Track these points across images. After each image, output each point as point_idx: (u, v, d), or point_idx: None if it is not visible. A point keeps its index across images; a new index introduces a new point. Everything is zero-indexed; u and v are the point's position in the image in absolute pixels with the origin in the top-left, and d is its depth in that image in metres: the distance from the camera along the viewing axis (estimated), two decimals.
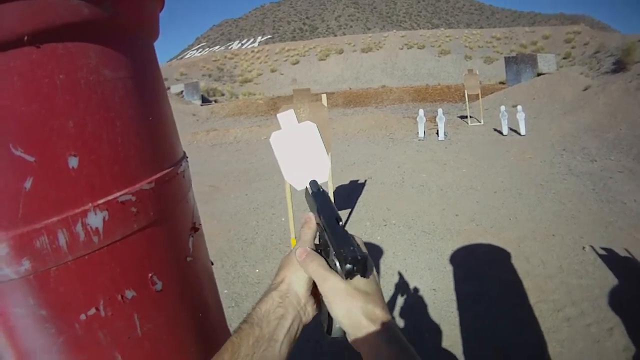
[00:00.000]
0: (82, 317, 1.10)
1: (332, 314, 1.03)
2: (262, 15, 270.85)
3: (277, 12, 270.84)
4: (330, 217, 1.16)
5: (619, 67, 23.11)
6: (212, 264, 1.77)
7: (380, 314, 0.98)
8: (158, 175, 1.26)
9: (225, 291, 6.97)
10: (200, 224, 1.62)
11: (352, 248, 1.02)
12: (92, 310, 1.11)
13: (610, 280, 6.42)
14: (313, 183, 1.42)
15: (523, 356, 5.03)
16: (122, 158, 1.17)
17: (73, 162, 1.06)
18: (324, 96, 8.08)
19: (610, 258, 7.06)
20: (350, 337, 1.00)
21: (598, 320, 5.53)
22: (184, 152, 1.61)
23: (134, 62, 1.26)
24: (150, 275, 1.24)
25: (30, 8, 0.97)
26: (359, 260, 1.00)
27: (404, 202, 10.44)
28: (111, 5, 1.13)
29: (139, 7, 1.29)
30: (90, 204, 1.08)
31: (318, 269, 1.06)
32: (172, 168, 1.35)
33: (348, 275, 1.01)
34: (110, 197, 1.11)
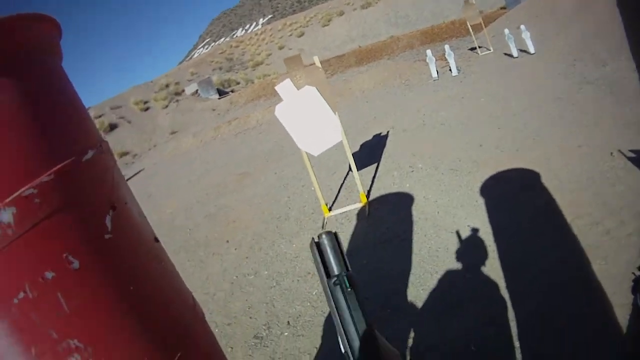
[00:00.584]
0: (15, 301, 1.21)
1: None
2: None
3: None
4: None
5: None
6: (157, 240, 1.82)
7: None
8: (57, 167, 1.36)
9: (266, 272, 6.90)
10: (126, 203, 1.69)
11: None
12: (21, 294, 1.22)
13: None
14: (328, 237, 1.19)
15: (567, 278, 4.71)
16: (23, 157, 1.30)
17: None
18: (316, 58, 7.83)
19: None
20: None
21: (639, 228, 5.19)
22: (98, 141, 1.67)
23: (26, 80, 1.40)
24: (65, 255, 1.33)
25: None
26: None
27: (428, 144, 10.24)
28: None
29: (25, 37, 1.44)
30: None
31: None
32: (74, 158, 1.44)
33: None
34: (15, 195, 1.23)
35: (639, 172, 6.34)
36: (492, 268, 5.25)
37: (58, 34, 1.69)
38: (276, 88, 6.90)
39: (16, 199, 1.21)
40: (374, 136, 12.40)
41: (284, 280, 6.47)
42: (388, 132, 12.38)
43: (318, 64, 7.66)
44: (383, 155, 10.45)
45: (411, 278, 5.62)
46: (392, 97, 17.61)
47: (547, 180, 6.95)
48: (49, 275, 1.26)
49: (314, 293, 5.93)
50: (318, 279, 6.15)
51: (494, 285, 4.96)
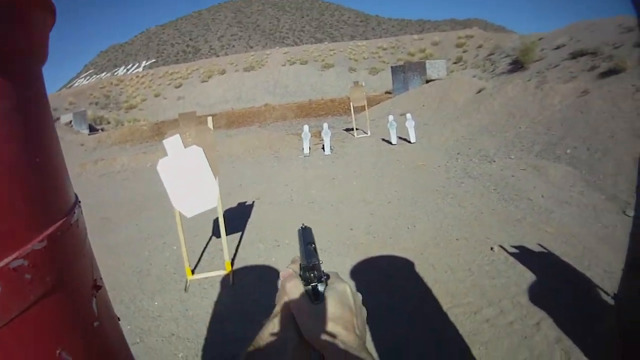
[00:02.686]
0: None
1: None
2: (148, 39, 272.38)
3: (161, 35, 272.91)
4: (305, 243, 1.32)
5: (517, 66, 24.18)
6: (119, 319, 1.43)
7: (346, 338, 1.07)
8: (50, 229, 0.98)
9: (128, 327, 6.75)
10: (102, 278, 1.32)
11: (310, 259, 1.20)
12: None
13: (527, 276, 6.45)
14: (302, 225, 1.52)
15: None
16: (9, 212, 0.89)
17: None
18: (209, 119, 8.01)
19: (523, 255, 7.11)
20: None
21: (521, 317, 5.52)
22: (76, 196, 1.31)
23: (17, 91, 0.98)
24: (58, 352, 0.94)
25: None
26: (309, 268, 1.17)
27: (295, 221, 10.30)
28: None
29: (25, 25, 1.01)
30: None
31: (292, 289, 1.17)
32: (65, 218, 1.07)
33: (305, 281, 1.17)
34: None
35: (523, 267, 6.69)
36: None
37: (52, 24, 1.22)
38: (164, 142, 6.94)
39: (0, 273, 0.85)
40: (239, 204, 12.45)
41: (148, 339, 6.36)
42: (253, 202, 12.44)
43: (210, 125, 7.79)
44: (248, 226, 10.50)
45: None
46: (261, 167, 17.83)
47: (422, 270, 7.17)
48: None
49: (179, 356, 5.88)
50: (182, 341, 6.07)
51: None
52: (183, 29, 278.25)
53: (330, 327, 1.07)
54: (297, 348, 1.09)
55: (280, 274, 1.25)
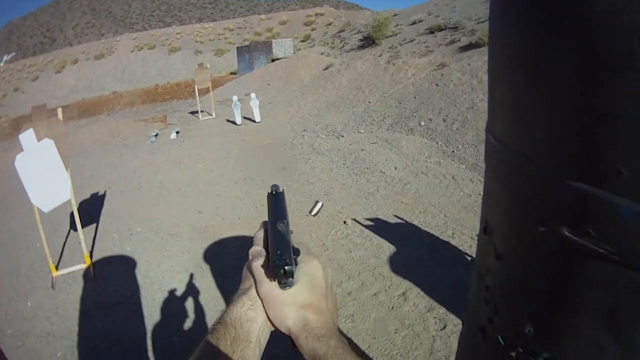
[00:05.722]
0: None
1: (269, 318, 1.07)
2: (10, 32, 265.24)
3: (22, 27, 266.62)
4: (274, 220, 1.20)
5: (367, 42, 24.35)
6: None
7: (315, 324, 1.02)
8: None
9: (10, 331, 6.59)
10: None
11: (278, 252, 1.07)
12: None
13: (386, 247, 6.56)
14: (274, 186, 1.37)
15: None
16: None
17: None
18: (59, 110, 7.82)
19: (379, 227, 7.19)
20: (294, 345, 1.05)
21: (385, 288, 5.62)
22: None
23: None
24: None
25: None
26: (277, 265, 1.04)
27: (145, 208, 10.35)
28: None
29: None
30: None
31: (259, 271, 1.10)
32: None
33: (273, 261, 1.05)
34: None
35: (380, 239, 6.79)
36: None
37: None
38: (19, 137, 6.95)
39: None
40: (92, 195, 12.18)
41: (28, 341, 6.26)
42: (105, 192, 12.23)
43: (60, 116, 7.59)
44: (102, 216, 10.35)
45: (148, 341, 5.69)
46: (110, 155, 17.42)
47: None
48: None
49: (59, 355, 5.83)
50: (58, 340, 6.10)
51: None
52: (42, 19, 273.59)
53: (300, 314, 1.04)
54: (262, 329, 1.06)
55: (250, 251, 1.17)
